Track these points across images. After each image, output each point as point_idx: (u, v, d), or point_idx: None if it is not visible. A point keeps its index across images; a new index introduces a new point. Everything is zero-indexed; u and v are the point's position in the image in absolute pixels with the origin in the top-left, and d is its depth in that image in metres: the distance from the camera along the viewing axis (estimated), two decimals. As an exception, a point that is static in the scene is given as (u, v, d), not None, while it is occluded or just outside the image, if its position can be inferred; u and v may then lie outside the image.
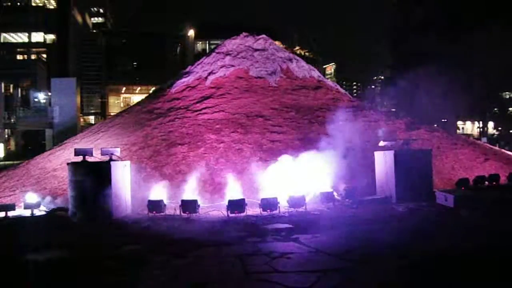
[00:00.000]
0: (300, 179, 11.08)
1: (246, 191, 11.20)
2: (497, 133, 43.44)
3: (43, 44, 47.90)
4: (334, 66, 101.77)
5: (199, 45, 55.69)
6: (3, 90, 35.04)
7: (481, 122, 43.67)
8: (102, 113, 47.20)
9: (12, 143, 36.50)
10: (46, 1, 49.79)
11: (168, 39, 50.88)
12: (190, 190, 10.99)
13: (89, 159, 10.62)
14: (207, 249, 6.92)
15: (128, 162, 11.12)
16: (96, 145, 14.53)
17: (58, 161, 14.77)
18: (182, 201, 10.05)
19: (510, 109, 44.51)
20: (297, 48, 62.11)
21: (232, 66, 19.32)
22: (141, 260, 6.33)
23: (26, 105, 36.22)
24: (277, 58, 20.31)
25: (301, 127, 15.53)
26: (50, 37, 48.04)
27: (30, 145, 34.37)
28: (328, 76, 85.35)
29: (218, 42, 26.19)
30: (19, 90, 38.41)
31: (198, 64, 20.05)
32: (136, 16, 59.07)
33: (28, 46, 47.60)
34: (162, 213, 9.96)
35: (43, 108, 34.81)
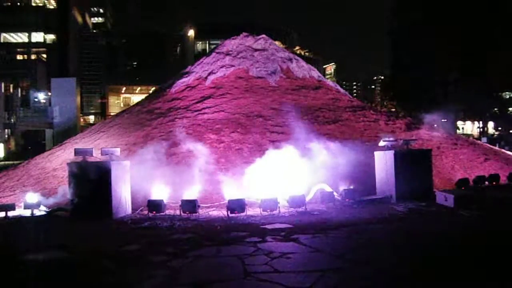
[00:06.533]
0: (300, 179, 11.08)
1: (245, 191, 11.19)
2: (497, 133, 43.44)
3: (43, 44, 47.96)
4: (334, 66, 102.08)
5: (199, 45, 55.80)
6: (3, 90, 35.09)
7: (481, 122, 43.68)
8: (102, 113, 47.21)
9: (12, 143, 36.50)
10: (46, 1, 49.83)
11: (168, 39, 50.92)
12: (190, 190, 10.98)
13: (89, 159, 10.62)
14: (207, 249, 6.92)
15: (128, 162, 11.12)
16: (96, 145, 14.53)
17: (58, 161, 14.77)
18: (182, 201, 10.04)
19: (510, 109, 44.54)
20: (297, 48, 62.22)
21: (232, 66, 19.32)
22: (141, 260, 6.33)
23: (26, 105, 36.22)
24: (277, 58, 20.31)
25: (301, 127, 15.50)
26: (50, 37, 48.10)
27: (30, 145, 34.35)
28: (328, 76, 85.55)
29: (218, 42, 26.21)
30: (19, 90, 38.44)
31: (198, 64, 20.05)
32: (136, 16, 58.99)
33: (28, 46, 47.65)
34: (162, 213, 9.95)
35: (43, 108, 34.84)
